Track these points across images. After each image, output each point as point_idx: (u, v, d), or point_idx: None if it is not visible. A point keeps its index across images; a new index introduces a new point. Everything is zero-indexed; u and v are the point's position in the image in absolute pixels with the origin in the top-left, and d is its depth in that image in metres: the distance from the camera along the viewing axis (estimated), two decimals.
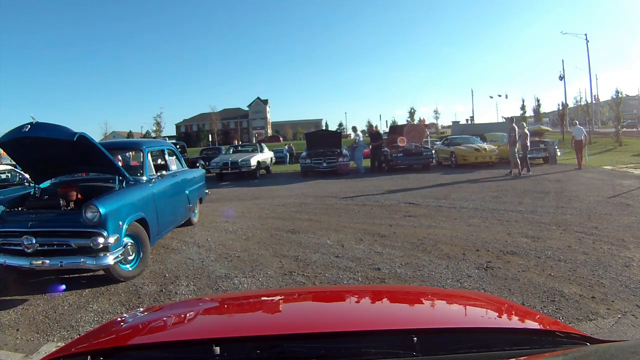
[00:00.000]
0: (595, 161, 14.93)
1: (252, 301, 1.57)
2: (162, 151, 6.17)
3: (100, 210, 3.77)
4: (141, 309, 1.67)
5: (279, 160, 24.24)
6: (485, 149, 14.68)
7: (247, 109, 74.34)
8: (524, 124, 12.98)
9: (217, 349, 0.95)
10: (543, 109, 37.18)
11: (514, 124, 12.44)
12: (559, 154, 15.13)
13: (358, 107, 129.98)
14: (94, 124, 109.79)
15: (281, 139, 54.03)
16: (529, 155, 14.51)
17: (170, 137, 46.69)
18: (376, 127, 18.66)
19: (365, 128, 15.55)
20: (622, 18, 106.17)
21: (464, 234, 5.32)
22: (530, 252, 4.50)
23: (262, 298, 1.67)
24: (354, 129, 16.13)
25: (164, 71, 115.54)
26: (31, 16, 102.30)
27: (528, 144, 12.48)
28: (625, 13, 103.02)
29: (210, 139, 51.06)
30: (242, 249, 5.23)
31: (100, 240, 3.76)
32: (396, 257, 4.59)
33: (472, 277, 3.90)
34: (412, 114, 47.20)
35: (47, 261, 3.77)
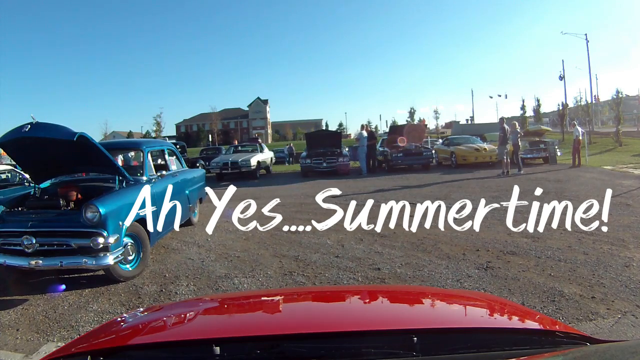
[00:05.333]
0: (595, 161, 14.93)
1: (252, 301, 1.57)
2: (162, 151, 6.16)
3: (100, 210, 3.77)
4: (141, 309, 1.67)
5: (280, 160, 24.30)
6: (485, 149, 14.69)
7: (247, 109, 74.31)
8: (516, 124, 13.02)
9: (217, 349, 0.95)
10: (543, 109, 37.15)
11: (504, 124, 12.47)
12: (559, 154, 15.14)
13: (358, 107, 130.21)
14: (94, 124, 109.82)
15: (260, 141, 54.56)
16: (528, 155, 14.51)
17: (170, 137, 46.68)
18: (368, 127, 18.55)
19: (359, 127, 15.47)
20: (622, 18, 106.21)
21: (464, 234, 5.32)
22: (530, 252, 4.50)
23: (262, 298, 1.67)
24: (362, 127, 16.03)
25: (164, 71, 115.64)
26: (31, 16, 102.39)
27: (520, 143, 12.57)
28: (625, 13, 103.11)
29: (210, 139, 51.02)
30: (242, 249, 5.23)
31: (100, 240, 3.75)
32: (396, 257, 4.59)
33: (472, 277, 3.90)
34: (412, 114, 47.17)
35: (47, 261, 3.76)
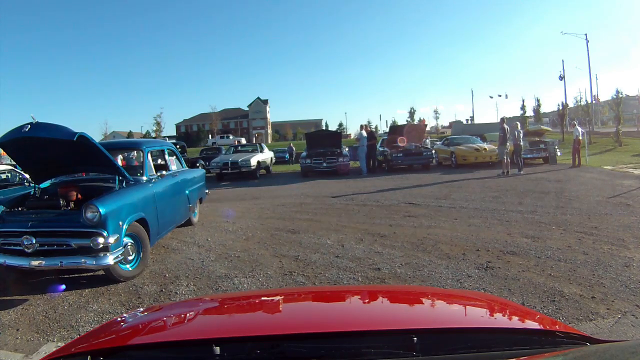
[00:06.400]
0: (595, 161, 14.93)
1: (252, 301, 1.57)
2: (162, 151, 6.16)
3: (100, 210, 3.76)
4: (141, 309, 1.67)
5: (280, 160, 24.33)
6: (485, 149, 14.70)
7: (247, 109, 74.26)
8: (518, 124, 13.04)
9: (217, 349, 0.94)
10: (543, 109, 37.21)
11: (504, 124, 12.50)
12: (559, 154, 15.15)
13: (358, 107, 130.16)
14: (94, 124, 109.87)
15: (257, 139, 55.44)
16: (528, 155, 14.54)
17: (170, 137, 46.64)
18: (368, 127, 18.60)
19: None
20: (622, 18, 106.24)
21: (464, 234, 5.32)
22: (530, 252, 4.50)
23: (262, 298, 1.66)
24: (362, 127, 16.13)
25: (164, 71, 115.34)
26: (31, 16, 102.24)
27: (521, 143, 12.61)
28: (625, 13, 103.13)
29: (210, 139, 51.01)
30: (242, 249, 5.23)
31: (100, 240, 3.75)
32: (396, 257, 4.59)
33: (472, 277, 3.90)
34: (412, 114, 47.18)
35: (47, 261, 3.76)
